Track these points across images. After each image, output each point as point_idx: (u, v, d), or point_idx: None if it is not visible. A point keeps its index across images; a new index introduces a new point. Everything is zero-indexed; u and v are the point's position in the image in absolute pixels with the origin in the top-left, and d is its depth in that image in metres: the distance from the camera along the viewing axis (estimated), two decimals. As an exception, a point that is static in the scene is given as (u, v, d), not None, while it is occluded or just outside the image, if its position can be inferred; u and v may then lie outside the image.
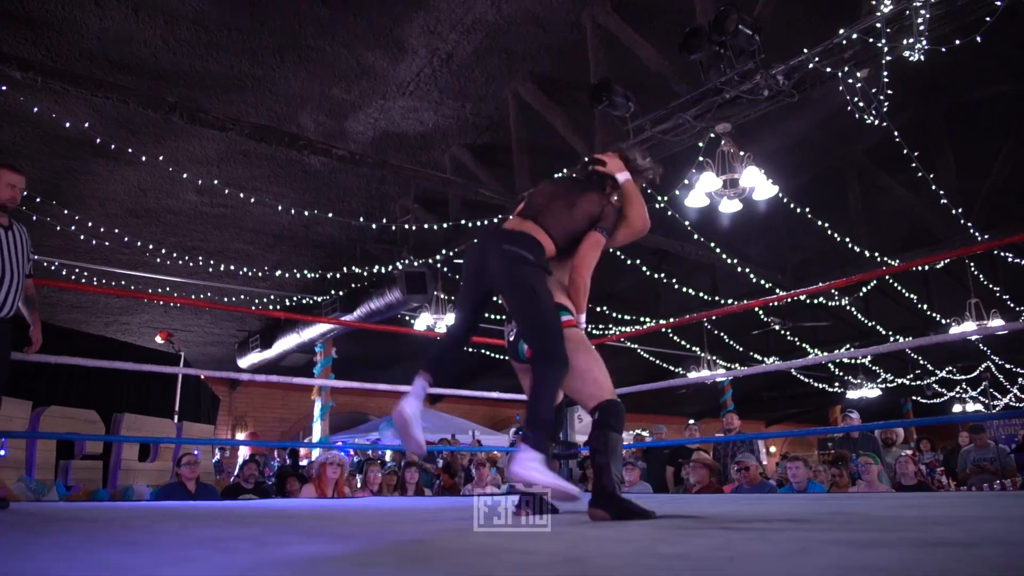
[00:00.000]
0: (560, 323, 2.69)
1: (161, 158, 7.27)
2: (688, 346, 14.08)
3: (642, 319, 12.13)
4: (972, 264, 10.30)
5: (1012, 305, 11.25)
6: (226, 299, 11.03)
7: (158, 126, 7.55)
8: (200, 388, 10.47)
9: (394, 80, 7.34)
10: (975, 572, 1.12)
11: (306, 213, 8.17)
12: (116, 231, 8.35)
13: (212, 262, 9.27)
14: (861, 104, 5.78)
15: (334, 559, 1.45)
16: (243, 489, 6.78)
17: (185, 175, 7.57)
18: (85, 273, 9.76)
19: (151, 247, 8.75)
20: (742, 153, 6.45)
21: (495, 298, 2.93)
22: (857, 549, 1.42)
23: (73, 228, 8.07)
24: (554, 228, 2.85)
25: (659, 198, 7.36)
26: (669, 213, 7.66)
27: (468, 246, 3.00)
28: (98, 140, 6.80)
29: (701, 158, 6.52)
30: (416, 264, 9.33)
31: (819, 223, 8.46)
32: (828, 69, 5.51)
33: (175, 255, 9.02)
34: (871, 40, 5.25)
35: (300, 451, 12.05)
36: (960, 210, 8.06)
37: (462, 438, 12.74)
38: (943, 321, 11.48)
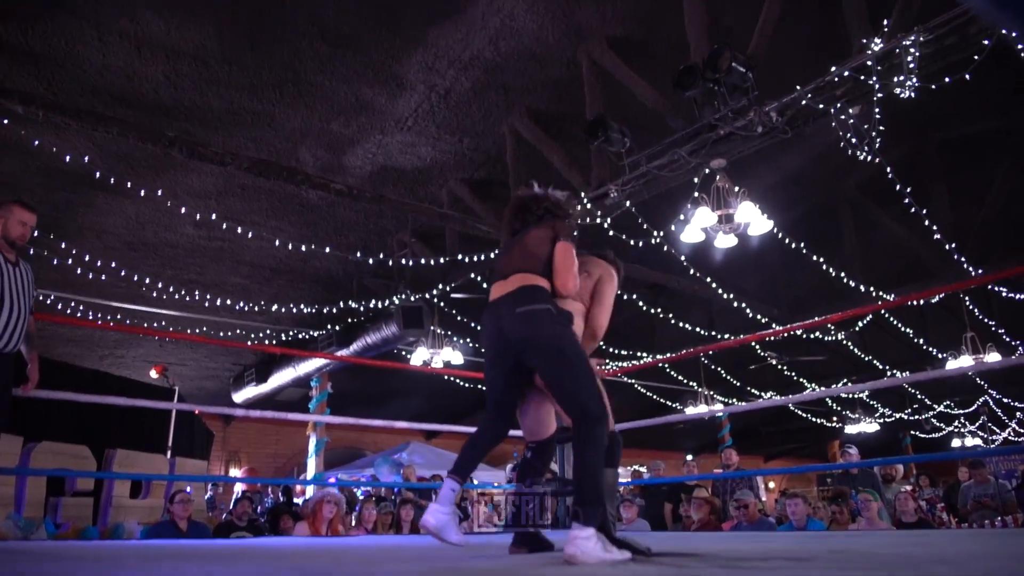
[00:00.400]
0: (595, 382, 2.60)
1: (160, 192, 7.30)
2: (685, 381, 14.02)
3: (639, 354, 12.10)
4: (967, 298, 10.33)
5: (1008, 339, 11.26)
6: (222, 333, 10.99)
7: (157, 160, 7.59)
8: (194, 423, 10.38)
9: (392, 115, 7.41)
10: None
11: (303, 247, 8.18)
12: (113, 264, 8.34)
13: (208, 296, 9.25)
14: (854, 140, 5.85)
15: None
16: (236, 527, 6.68)
17: (183, 209, 7.59)
18: (81, 307, 9.73)
19: (148, 280, 8.75)
20: (737, 188, 6.50)
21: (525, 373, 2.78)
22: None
23: (70, 262, 8.06)
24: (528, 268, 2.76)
25: (655, 233, 7.40)
26: (665, 248, 7.69)
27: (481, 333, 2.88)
28: (97, 174, 6.83)
29: (696, 193, 6.57)
30: (413, 299, 9.33)
31: (814, 257, 8.49)
32: (820, 106, 5.58)
33: (171, 288, 9.00)
34: (862, 78, 5.33)
35: (294, 488, 11.90)
36: (954, 244, 8.11)
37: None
38: (939, 355, 11.47)
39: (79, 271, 8.30)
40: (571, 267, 2.79)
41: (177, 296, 9.10)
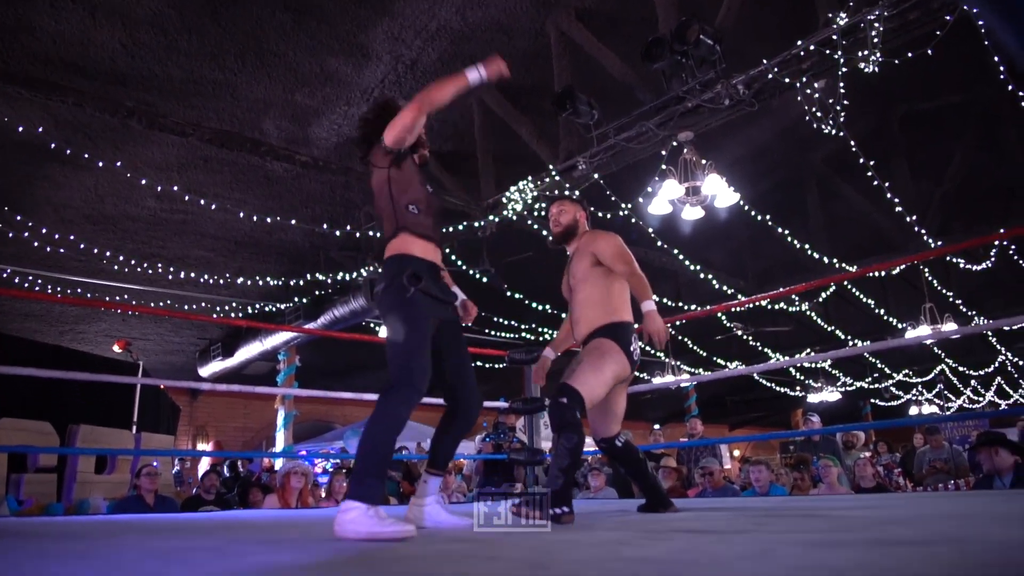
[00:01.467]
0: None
1: (119, 163, 7.13)
2: (652, 351, 14.19)
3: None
4: (926, 270, 10.57)
5: (964, 310, 11.57)
6: (186, 307, 10.83)
7: (116, 131, 7.40)
8: (159, 398, 10.26)
9: (358, 86, 7.30)
10: (929, 570, 1.15)
11: (268, 220, 8.07)
12: (72, 238, 8.15)
13: (172, 269, 9.09)
14: (819, 114, 5.91)
15: (297, 568, 1.43)
16: (204, 501, 6.65)
17: (144, 181, 7.42)
18: (39, 281, 9.51)
19: (108, 254, 8.56)
20: (704, 161, 6.55)
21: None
22: (817, 549, 1.45)
23: (27, 235, 7.86)
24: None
25: (623, 205, 7.43)
26: (633, 220, 7.74)
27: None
28: (53, 145, 6.64)
29: (664, 166, 6.60)
30: (381, 271, 9.27)
31: (780, 230, 8.60)
32: (787, 79, 5.63)
33: (133, 262, 8.83)
34: (827, 52, 5.38)
35: (261, 462, 11.85)
36: (915, 217, 8.27)
37: (427, 446, 12.66)
38: (899, 325, 11.76)
39: (36, 244, 8.10)
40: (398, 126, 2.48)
41: (139, 270, 8.94)
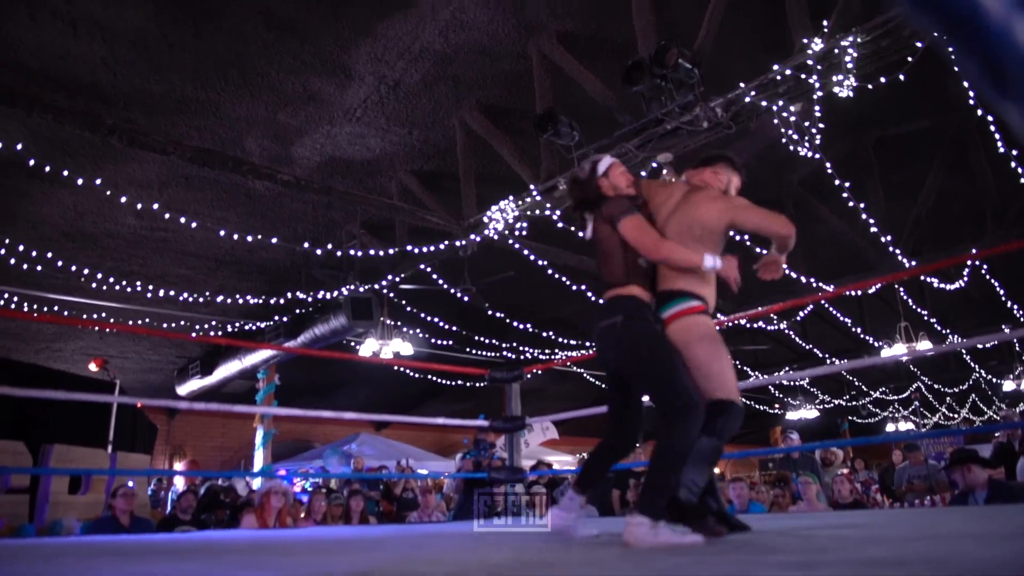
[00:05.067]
0: (684, 377, 2.56)
1: (99, 181, 7.07)
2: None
3: (587, 344, 12.25)
4: (901, 289, 10.74)
5: (939, 328, 11.75)
6: (165, 325, 10.73)
7: (96, 148, 7.36)
8: (136, 417, 10.13)
9: (341, 106, 7.32)
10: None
11: (249, 238, 8.03)
12: (50, 255, 8.06)
13: (151, 287, 9.01)
14: (795, 136, 6.02)
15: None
16: (180, 521, 6.57)
17: (124, 198, 7.37)
18: (15, 298, 9.38)
19: (87, 271, 8.47)
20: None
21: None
22: (793, 571, 1.47)
23: (3, 252, 7.77)
24: (615, 276, 2.71)
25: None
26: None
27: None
28: (32, 162, 6.59)
29: (644, 186, 6.66)
30: (362, 290, 9.26)
31: (757, 250, 8.69)
32: (764, 103, 5.73)
33: (112, 280, 8.75)
34: (803, 76, 5.49)
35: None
36: (889, 237, 8.41)
37: (407, 464, 12.60)
38: (875, 344, 11.91)
39: (13, 261, 8.00)
40: (646, 241, 2.65)
41: (118, 287, 8.85)
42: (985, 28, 0.53)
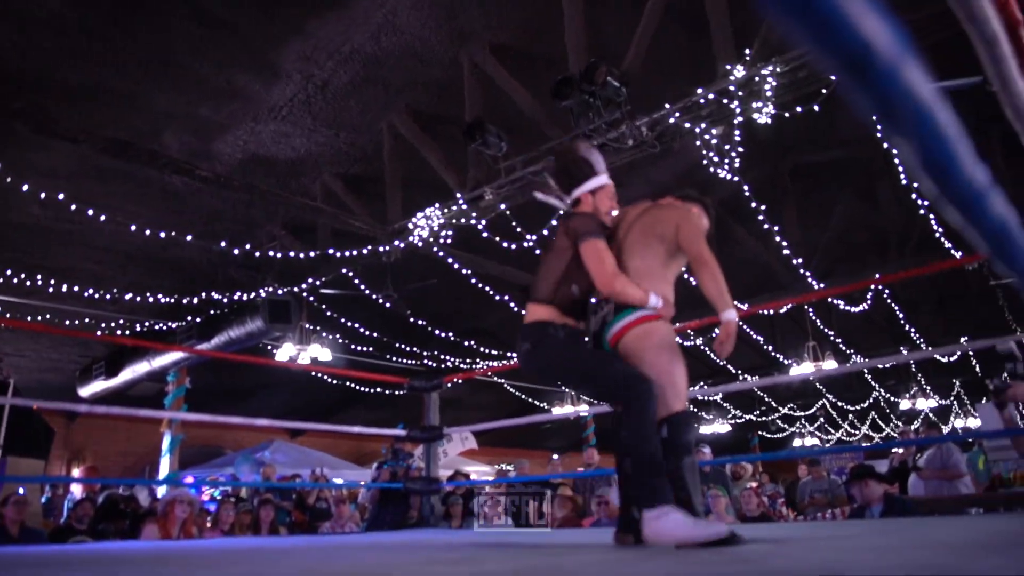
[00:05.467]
0: (614, 363, 2.56)
1: (-1, 166, 6.68)
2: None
3: (508, 354, 12.29)
4: (811, 310, 11.22)
5: (844, 348, 12.33)
6: (68, 322, 10.19)
7: (-1, 132, 6.95)
8: (31, 419, 9.58)
9: (266, 103, 7.15)
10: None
11: (163, 234, 7.73)
12: (-60, 244, 7.56)
13: (53, 281, 8.55)
14: (716, 159, 6.22)
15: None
16: (75, 531, 6.22)
17: (26, 187, 6.98)
18: None
19: (-18, 263, 7.98)
20: (608, 198, 6.74)
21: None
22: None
23: None
24: (541, 292, 2.68)
25: (528, 236, 7.55)
26: (537, 251, 7.87)
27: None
28: (-76, 143, 6.17)
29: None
30: (280, 292, 9.04)
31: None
32: (687, 124, 5.91)
33: (9, 272, 8.26)
34: (725, 101, 5.69)
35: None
36: (801, 260, 8.78)
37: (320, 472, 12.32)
38: (786, 362, 12.39)
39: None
40: (603, 271, 2.58)
41: (16, 280, 8.36)
42: (877, 71, 0.56)
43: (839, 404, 17.94)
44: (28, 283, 8.43)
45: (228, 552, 3.17)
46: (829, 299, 10.47)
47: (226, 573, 1.97)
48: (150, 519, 6.28)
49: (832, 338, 11.81)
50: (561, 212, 2.99)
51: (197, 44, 6.31)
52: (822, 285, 8.94)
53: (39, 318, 9.83)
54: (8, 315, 9.68)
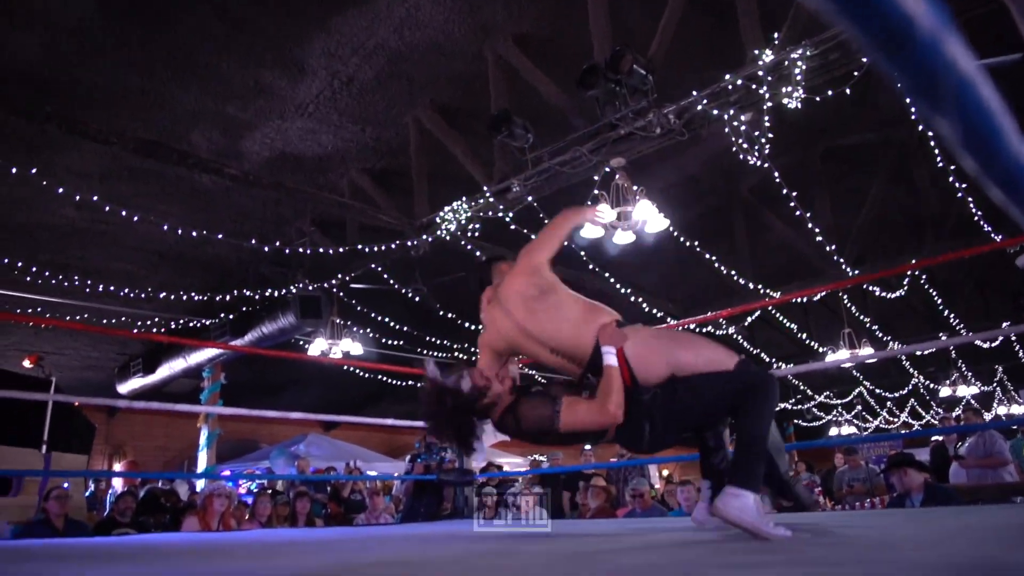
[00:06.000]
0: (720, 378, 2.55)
1: (34, 170, 6.81)
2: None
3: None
4: (845, 297, 11.03)
5: (880, 335, 12.11)
6: (104, 321, 10.39)
7: (33, 136, 7.08)
8: (73, 416, 9.78)
9: (292, 101, 7.20)
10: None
11: (194, 233, 7.83)
12: (-20, 246, 7.74)
13: (90, 281, 8.71)
14: (745, 145, 6.13)
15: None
16: (118, 524, 6.36)
17: (61, 189, 7.11)
18: (-57, 291, 8.98)
19: (20, 264, 8.15)
20: (635, 187, 6.69)
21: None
22: (735, 571, 1.49)
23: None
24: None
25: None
26: (565, 243, 7.84)
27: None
28: (-38, 148, 6.32)
29: (596, 191, 6.72)
30: (311, 288, 9.12)
31: (707, 256, 8.85)
32: (715, 111, 5.82)
33: (48, 273, 8.42)
34: (754, 86, 5.59)
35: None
36: (834, 246, 8.63)
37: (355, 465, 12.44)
38: (820, 349, 12.20)
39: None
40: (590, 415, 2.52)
41: (54, 281, 8.53)
42: (916, 46, 0.54)
43: (876, 391, 17.63)
44: (65, 283, 8.60)
45: (268, 544, 3.21)
46: (864, 285, 10.28)
47: (269, 564, 1.99)
48: (190, 512, 6.40)
49: (868, 325, 11.60)
50: None
51: (222, 43, 6.37)
52: (856, 271, 8.78)
53: (77, 317, 10.04)
54: (48, 315, 9.89)
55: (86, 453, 9.88)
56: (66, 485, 6.17)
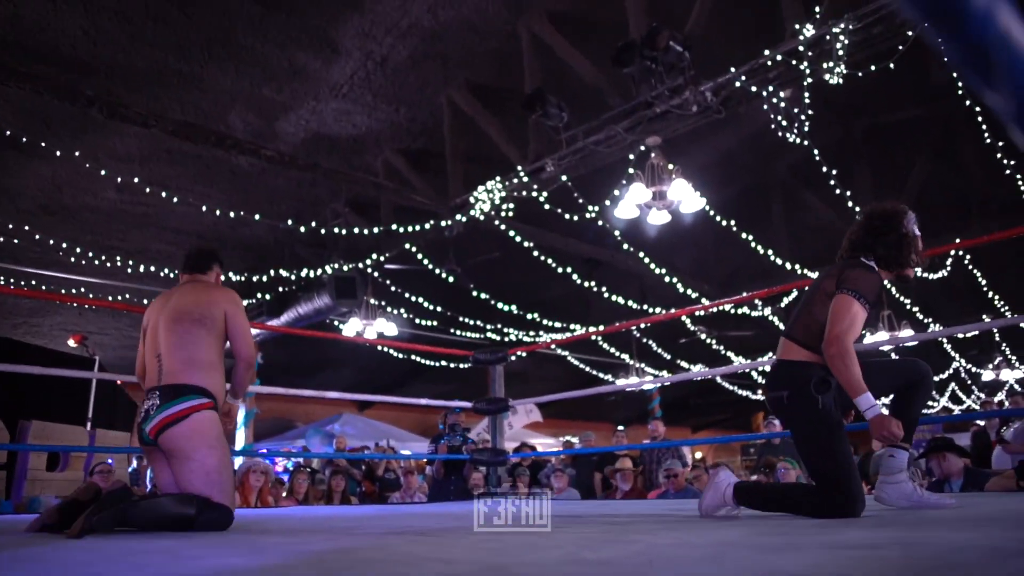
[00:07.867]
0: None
1: (78, 153, 6.96)
2: (617, 354, 14.30)
3: (572, 326, 12.26)
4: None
5: (921, 317, 11.86)
6: (145, 301, 10.59)
7: (75, 120, 7.23)
8: (117, 394, 10.06)
9: (327, 82, 7.23)
10: (876, 572, 1.19)
11: (232, 214, 7.95)
12: (27, 228, 7.95)
13: (131, 262, 8.90)
14: (784, 123, 6.01)
15: (251, 571, 1.42)
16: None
17: (104, 172, 7.25)
18: (-8, 272, 9.26)
19: (65, 246, 8.35)
20: (671, 166, 6.61)
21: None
22: (770, 553, 1.47)
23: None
24: (799, 331, 2.63)
25: (590, 207, 7.47)
26: (599, 223, 7.78)
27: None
28: (8, 132, 6.46)
29: (632, 170, 6.65)
30: (346, 269, 9.20)
31: (744, 236, 8.73)
32: (753, 88, 5.71)
33: (91, 254, 8.63)
34: (794, 62, 5.47)
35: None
36: (875, 226, 8.44)
37: (387, 444, 12.61)
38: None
39: (-10, 234, 7.89)
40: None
41: (97, 262, 8.73)
42: (969, 16, 0.52)
43: (916, 374, 17.31)
44: (108, 264, 8.80)
45: (305, 520, 3.27)
46: (905, 266, 10.06)
47: (306, 540, 2.03)
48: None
49: (908, 306, 11.37)
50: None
51: (257, 24, 6.41)
52: (898, 252, 8.59)
53: (119, 298, 10.28)
54: (91, 295, 10.14)
55: (129, 430, 10.15)
56: (110, 461, 6.35)
